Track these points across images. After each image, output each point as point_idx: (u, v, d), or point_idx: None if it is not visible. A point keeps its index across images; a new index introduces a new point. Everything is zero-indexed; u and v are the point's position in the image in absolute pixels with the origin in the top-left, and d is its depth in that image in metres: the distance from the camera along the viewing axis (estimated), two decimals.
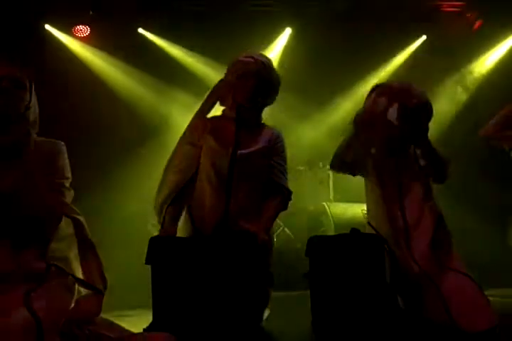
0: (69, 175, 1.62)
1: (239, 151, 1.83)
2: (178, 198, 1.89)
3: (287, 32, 5.07)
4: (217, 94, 1.99)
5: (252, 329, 1.65)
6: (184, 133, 1.98)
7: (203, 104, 2.01)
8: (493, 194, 3.16)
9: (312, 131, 4.91)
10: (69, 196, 1.58)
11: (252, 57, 1.96)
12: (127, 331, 1.45)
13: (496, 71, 4.99)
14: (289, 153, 5.20)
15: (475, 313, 1.78)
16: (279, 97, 5.04)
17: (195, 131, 1.94)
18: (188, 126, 1.98)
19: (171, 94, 4.55)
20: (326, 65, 4.72)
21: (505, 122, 2.36)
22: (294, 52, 4.94)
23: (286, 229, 4.27)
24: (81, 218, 1.55)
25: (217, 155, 1.89)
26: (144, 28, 4.86)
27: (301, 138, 4.83)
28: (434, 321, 1.79)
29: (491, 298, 1.90)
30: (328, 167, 4.50)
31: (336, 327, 1.86)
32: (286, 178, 1.99)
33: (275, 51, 5.11)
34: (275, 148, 1.97)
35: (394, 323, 1.81)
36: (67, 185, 1.59)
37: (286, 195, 1.98)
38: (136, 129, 4.47)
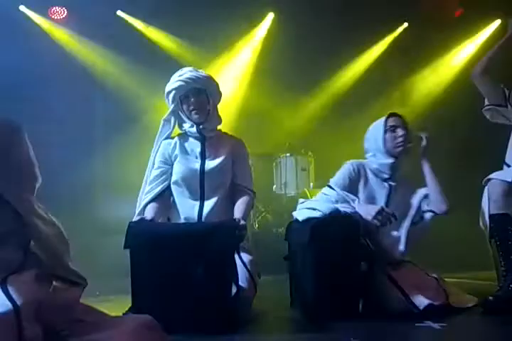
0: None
1: (206, 167, 2.06)
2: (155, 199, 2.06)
3: (270, 17, 5.02)
4: (166, 130, 2.16)
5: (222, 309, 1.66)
6: (154, 155, 2.15)
7: (159, 136, 2.17)
8: (466, 177, 3.24)
9: (294, 117, 4.92)
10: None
11: (180, 80, 2.09)
12: (106, 314, 1.44)
13: (475, 58, 5.06)
14: (271, 139, 5.20)
15: (425, 291, 1.90)
16: (261, 84, 5.04)
17: (166, 151, 2.13)
18: (157, 148, 2.15)
19: (150, 78, 4.47)
20: (308, 51, 4.71)
21: (492, 59, 2.21)
22: (276, 37, 4.90)
23: (267, 215, 4.31)
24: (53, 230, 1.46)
25: (187, 172, 2.07)
26: (123, 11, 4.75)
27: (283, 125, 4.85)
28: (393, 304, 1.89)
29: (468, 281, 1.97)
30: (309, 154, 4.55)
31: (314, 307, 1.90)
32: (251, 180, 2.16)
33: (257, 37, 5.06)
34: (238, 154, 2.14)
35: (368, 303, 1.87)
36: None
37: (251, 196, 2.14)
38: (114, 114, 4.41)
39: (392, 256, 2.07)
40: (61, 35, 4.63)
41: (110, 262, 3.02)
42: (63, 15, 4.60)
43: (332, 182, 2.14)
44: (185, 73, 2.11)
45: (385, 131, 2.15)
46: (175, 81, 2.09)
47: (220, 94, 2.18)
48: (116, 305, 2.01)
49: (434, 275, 2.09)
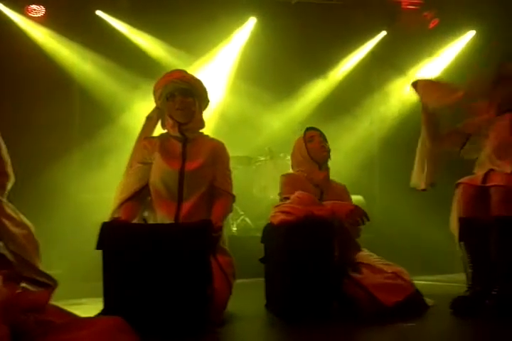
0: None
1: (186, 168, 2.03)
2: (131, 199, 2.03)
3: (252, 22, 5.05)
4: (149, 128, 2.14)
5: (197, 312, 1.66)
6: (133, 153, 2.13)
7: (141, 134, 2.15)
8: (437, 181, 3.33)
9: (274, 121, 4.95)
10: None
11: (169, 79, 2.09)
12: (76, 316, 1.42)
13: (451, 69, 5.21)
14: (250, 143, 5.20)
15: (389, 287, 1.96)
16: (241, 88, 5.04)
17: (145, 150, 2.10)
18: (137, 147, 2.13)
19: (129, 79, 4.44)
20: (289, 56, 4.76)
21: (430, 130, 2.33)
22: (257, 41, 4.94)
23: (246, 218, 4.31)
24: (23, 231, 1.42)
25: (166, 172, 2.04)
26: (102, 10, 4.70)
27: (263, 129, 4.87)
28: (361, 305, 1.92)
29: (438, 283, 2.00)
30: (288, 158, 4.57)
31: (287, 309, 1.91)
32: (231, 183, 2.14)
33: (238, 40, 5.08)
34: (218, 157, 2.13)
35: (341, 304, 1.89)
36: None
37: (230, 199, 2.13)
38: (92, 115, 4.35)
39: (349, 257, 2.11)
40: (39, 33, 4.54)
41: (83, 264, 2.97)
42: (41, 14, 4.52)
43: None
44: (175, 73, 2.13)
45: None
46: (164, 79, 2.10)
47: (207, 101, 2.18)
48: (88, 308, 1.97)
49: (392, 269, 2.11)
